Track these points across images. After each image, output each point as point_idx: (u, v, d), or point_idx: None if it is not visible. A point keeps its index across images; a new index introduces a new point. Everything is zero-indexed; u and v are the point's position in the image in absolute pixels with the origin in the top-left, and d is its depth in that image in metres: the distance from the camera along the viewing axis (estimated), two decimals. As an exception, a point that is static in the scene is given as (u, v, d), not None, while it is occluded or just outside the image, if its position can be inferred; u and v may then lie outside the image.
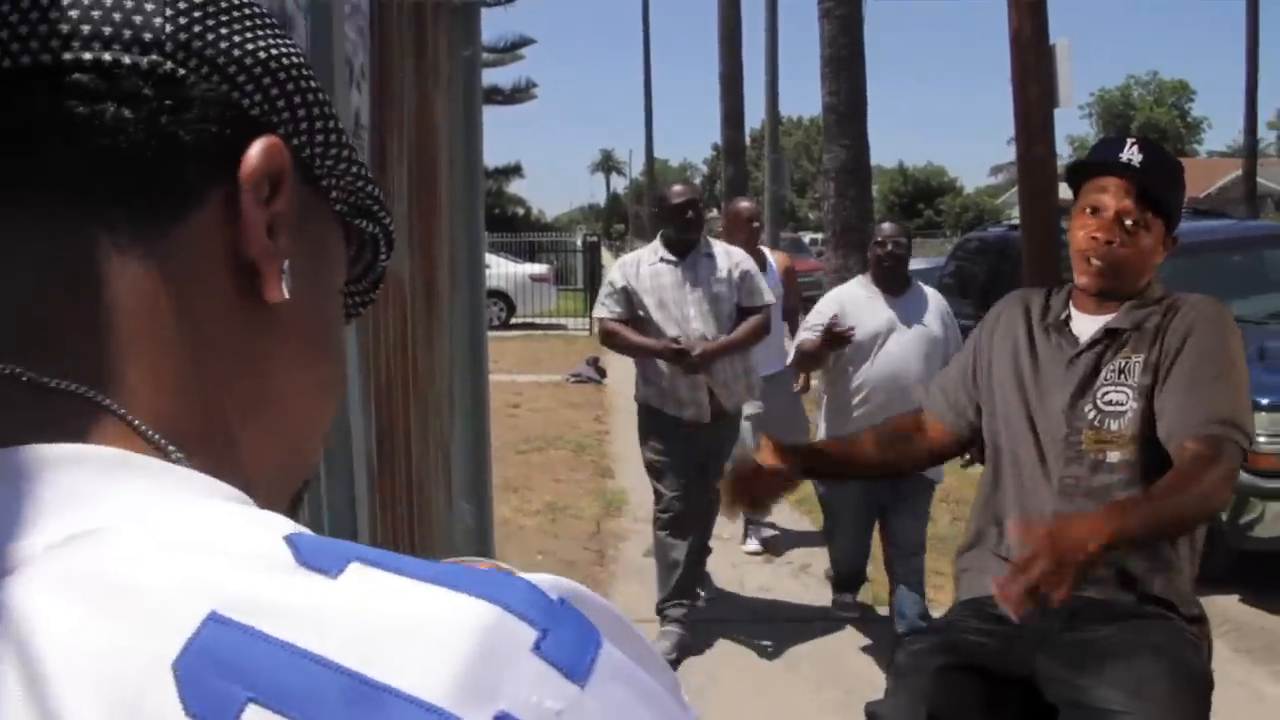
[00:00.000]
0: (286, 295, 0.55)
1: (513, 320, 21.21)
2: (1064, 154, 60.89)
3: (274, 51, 0.57)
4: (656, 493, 5.08)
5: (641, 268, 4.93)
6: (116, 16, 0.52)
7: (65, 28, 0.51)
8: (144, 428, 0.50)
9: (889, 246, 4.97)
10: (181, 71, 0.53)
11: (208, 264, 0.54)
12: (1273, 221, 18.86)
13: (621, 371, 14.43)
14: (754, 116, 24.86)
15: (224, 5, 0.56)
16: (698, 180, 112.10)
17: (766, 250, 6.22)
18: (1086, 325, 2.33)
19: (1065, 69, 6.28)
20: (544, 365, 15.25)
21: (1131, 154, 2.26)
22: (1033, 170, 6.44)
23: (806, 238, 32.85)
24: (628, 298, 4.91)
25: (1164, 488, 2.03)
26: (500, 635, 0.40)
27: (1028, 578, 1.83)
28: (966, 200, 62.35)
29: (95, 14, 0.52)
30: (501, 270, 20.71)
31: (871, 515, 5.00)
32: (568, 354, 16.38)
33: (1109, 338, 2.27)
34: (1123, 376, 2.23)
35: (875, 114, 11.03)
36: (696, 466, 4.89)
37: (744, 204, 6.12)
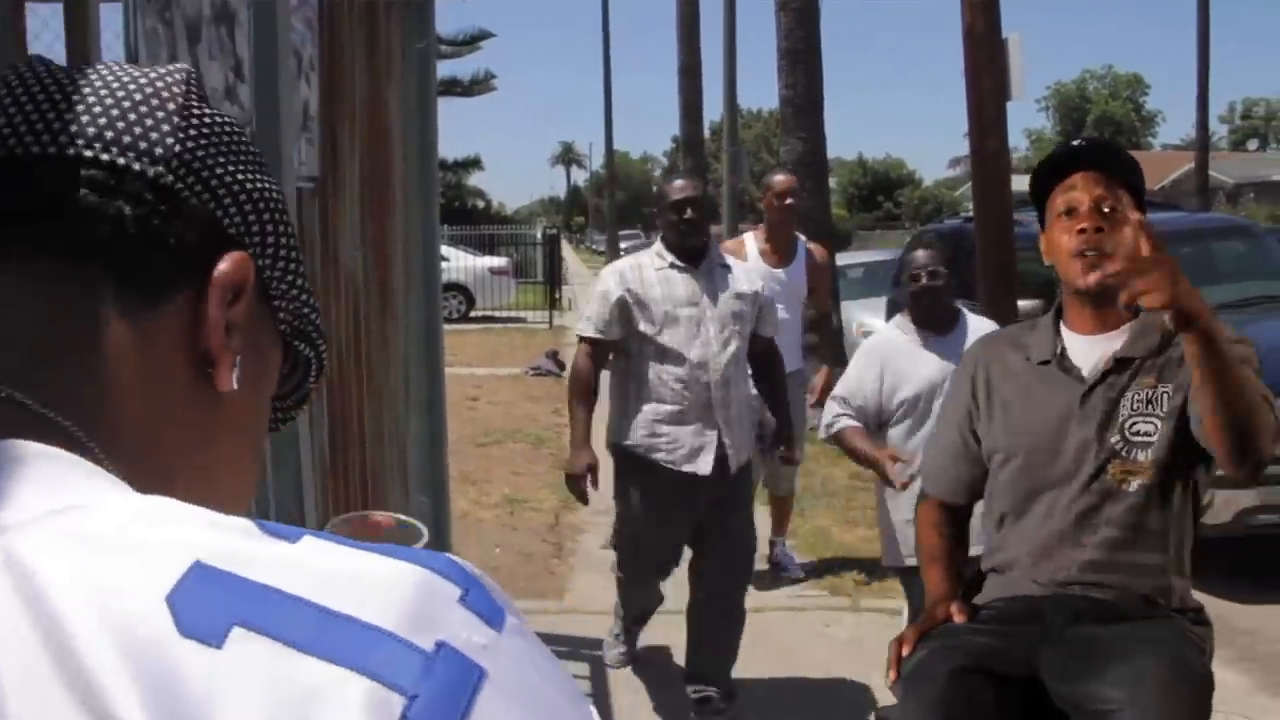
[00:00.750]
0: (235, 386, 0.65)
1: (472, 313, 21.13)
2: (1020, 147, 61.24)
3: (258, 185, 0.69)
4: (625, 556, 4.47)
5: (646, 273, 4.00)
6: (136, 129, 0.64)
7: (77, 127, 0.63)
8: (104, 460, 0.59)
9: (923, 279, 4.05)
10: (179, 186, 0.65)
11: (174, 346, 0.64)
12: (1223, 214, 19.07)
13: (581, 364, 14.42)
14: (713, 109, 24.94)
15: (227, 141, 0.68)
16: (657, 173, 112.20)
17: (803, 239, 5.80)
18: (1086, 351, 2.29)
19: (1017, 63, 6.34)
20: (503, 358, 15.22)
21: (1081, 146, 2.31)
22: (986, 163, 6.50)
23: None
24: (625, 312, 3.99)
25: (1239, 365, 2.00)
26: (433, 587, 0.49)
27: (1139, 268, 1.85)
28: (925, 192, 62.71)
29: (115, 121, 0.63)
30: (460, 263, 20.62)
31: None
32: (527, 347, 16.35)
33: (1120, 367, 2.23)
34: (1151, 407, 2.20)
35: (835, 107, 11.07)
36: (692, 534, 4.14)
37: (778, 177, 5.73)
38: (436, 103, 4.36)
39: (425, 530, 1.07)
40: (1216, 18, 33.26)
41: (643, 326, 3.94)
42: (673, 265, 3.98)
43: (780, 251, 5.59)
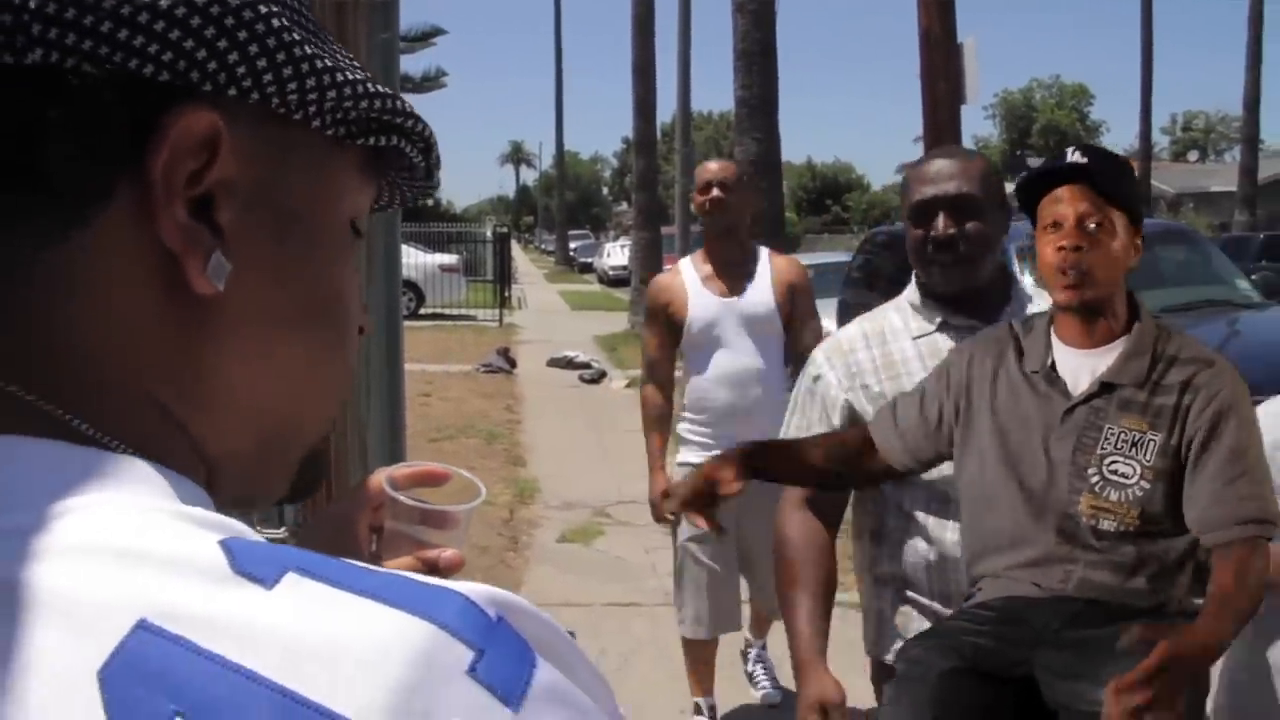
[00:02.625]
0: (219, 287, 0.50)
1: (422, 310, 21.04)
2: (968, 153, 61.67)
3: None
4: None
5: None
6: None
7: None
8: (77, 422, 0.48)
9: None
10: (55, 56, 0.47)
11: (128, 262, 0.49)
12: (1166, 220, 19.40)
13: (533, 362, 14.45)
14: (665, 110, 24.98)
15: None
16: (607, 174, 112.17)
17: (766, 251, 4.07)
18: (1075, 366, 2.24)
19: (972, 66, 6.43)
20: (454, 355, 15.18)
21: (1075, 158, 2.21)
22: (940, 165, 6.58)
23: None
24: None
25: (1229, 587, 2.04)
26: (435, 657, 0.40)
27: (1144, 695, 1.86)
28: (874, 197, 63.23)
29: None
30: (411, 260, 20.50)
31: None
32: (478, 344, 16.33)
33: (1105, 390, 2.19)
34: (1135, 450, 2.14)
35: (785, 111, 11.14)
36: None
37: (709, 164, 4.03)
38: (399, 95, 4.35)
39: (484, 489, 1.06)
40: (1159, 32, 33.90)
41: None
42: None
43: (727, 273, 3.90)
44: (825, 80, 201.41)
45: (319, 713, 0.38)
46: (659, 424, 4.01)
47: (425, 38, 31.03)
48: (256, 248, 0.52)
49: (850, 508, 2.63)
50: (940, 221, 2.43)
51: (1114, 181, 2.21)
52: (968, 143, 8.84)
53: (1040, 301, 2.54)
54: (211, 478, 0.54)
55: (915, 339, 2.53)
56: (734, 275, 3.88)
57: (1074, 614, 2.15)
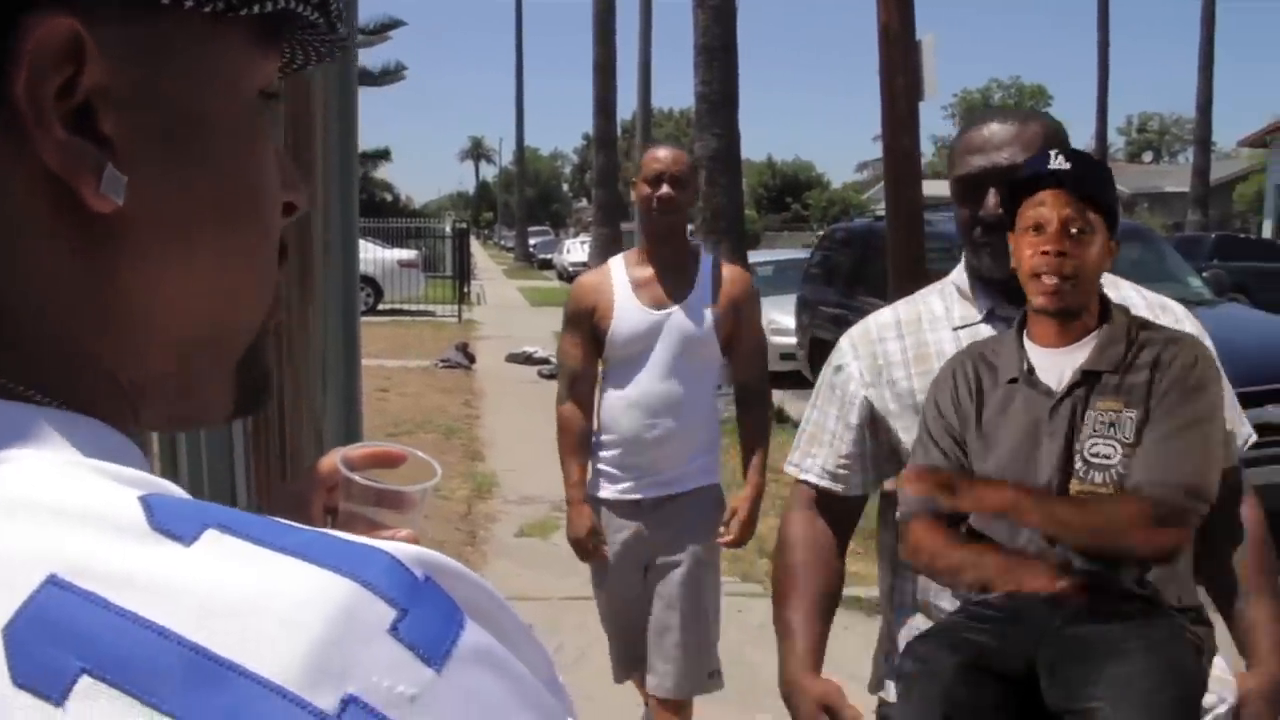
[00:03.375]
0: (118, 202, 0.47)
1: (380, 306, 20.94)
2: (927, 152, 62.41)
3: None
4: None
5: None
6: None
7: None
8: None
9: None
10: None
11: (12, 194, 0.46)
12: (1122, 219, 19.57)
13: (492, 358, 14.41)
14: (625, 107, 24.98)
15: None
16: (567, 170, 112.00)
17: (707, 255, 3.54)
18: (1052, 364, 2.23)
19: (931, 63, 6.46)
20: (413, 351, 15.11)
21: (1059, 163, 2.17)
22: (898, 161, 6.62)
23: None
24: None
25: (1097, 507, 2.08)
26: (355, 614, 0.38)
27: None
28: (833, 195, 63.43)
29: None
30: (369, 255, 20.41)
31: None
32: (436, 340, 16.26)
33: (1086, 379, 2.18)
34: (1113, 430, 2.14)
35: (745, 108, 11.16)
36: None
37: (658, 151, 3.42)
38: (357, 88, 4.32)
39: (439, 470, 1.05)
40: (1116, 35, 34.29)
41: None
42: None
43: (664, 281, 3.35)
44: (786, 77, 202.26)
45: (232, 670, 0.36)
46: (579, 449, 3.44)
47: (383, 30, 30.87)
48: (151, 152, 0.48)
49: (878, 527, 2.51)
50: (990, 199, 2.21)
51: (1096, 186, 2.19)
52: (925, 142, 8.87)
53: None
54: (138, 406, 0.52)
55: (956, 329, 2.32)
56: (672, 284, 3.35)
57: (1075, 611, 2.14)
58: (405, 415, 10.16)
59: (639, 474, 3.38)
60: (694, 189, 3.44)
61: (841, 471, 2.40)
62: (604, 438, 3.46)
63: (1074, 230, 2.14)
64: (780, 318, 12.45)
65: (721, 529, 3.47)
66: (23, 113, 0.45)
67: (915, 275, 6.68)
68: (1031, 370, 2.23)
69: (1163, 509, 2.08)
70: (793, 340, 11.77)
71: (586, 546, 3.44)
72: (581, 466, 3.44)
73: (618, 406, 3.38)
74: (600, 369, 3.46)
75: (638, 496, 3.42)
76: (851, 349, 2.41)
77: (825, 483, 2.41)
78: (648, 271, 3.37)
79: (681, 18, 12.02)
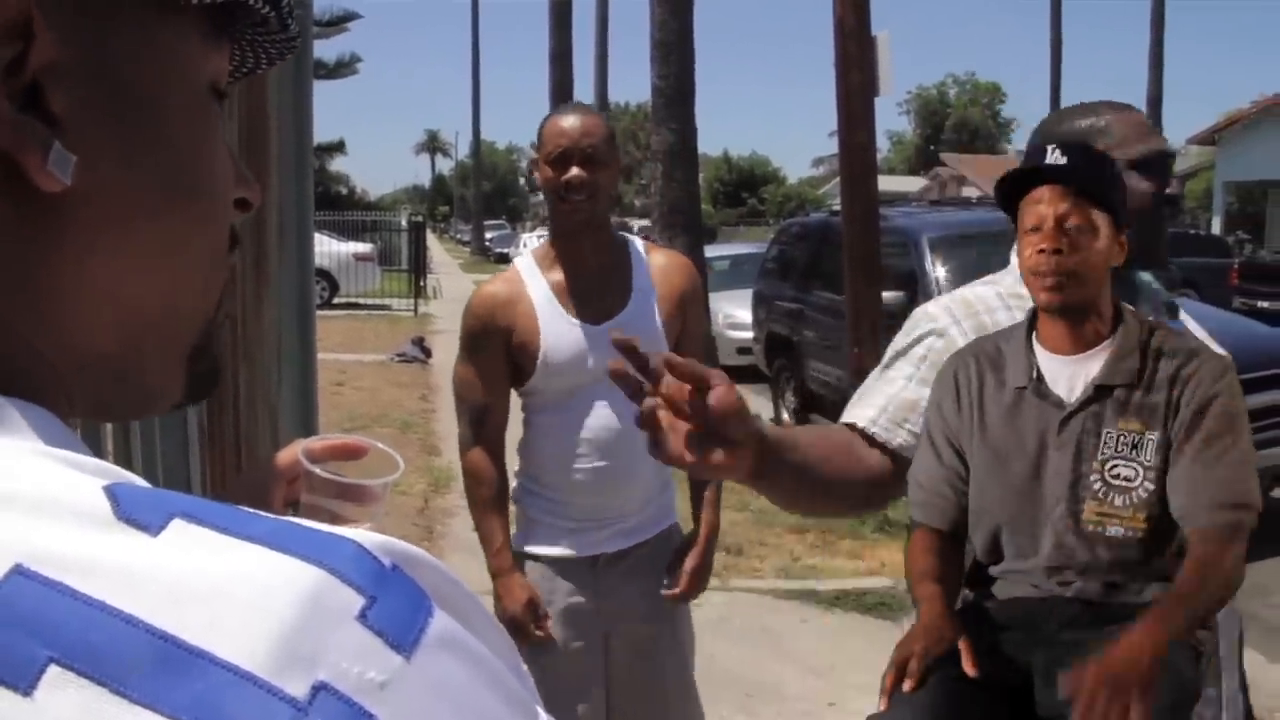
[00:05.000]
0: (66, 181, 0.46)
1: (336, 300, 20.79)
2: (882, 147, 62.81)
3: None
4: None
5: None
6: None
7: None
8: None
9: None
10: None
11: None
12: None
13: (448, 352, 14.32)
14: (582, 98, 24.94)
15: None
16: (523, 164, 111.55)
17: (638, 243, 2.84)
18: (1062, 373, 2.19)
19: (886, 59, 6.51)
20: (368, 345, 15.03)
21: (1055, 157, 2.14)
22: (854, 156, 6.66)
23: (635, 225, 33.15)
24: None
25: (1189, 581, 2.03)
26: (323, 601, 0.38)
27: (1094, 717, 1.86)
28: (789, 190, 63.71)
29: None
30: (324, 249, 20.22)
31: None
32: (392, 334, 16.17)
33: (1100, 394, 2.14)
34: (1135, 452, 2.11)
35: (702, 101, 11.18)
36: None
37: (565, 119, 2.63)
38: (312, 79, 4.29)
39: (401, 463, 1.05)
40: (1068, 32, 34.68)
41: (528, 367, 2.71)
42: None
43: (590, 284, 2.67)
44: (743, 71, 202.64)
45: (201, 657, 0.36)
46: (497, 504, 2.72)
47: (338, 22, 30.66)
48: (100, 131, 0.48)
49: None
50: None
51: (1095, 180, 2.15)
52: (880, 138, 8.94)
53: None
54: (71, 392, 0.51)
55: None
56: (600, 287, 2.65)
57: (1072, 616, 2.13)
58: (361, 409, 10.11)
59: (590, 525, 2.69)
60: (615, 166, 2.64)
61: (898, 427, 2.27)
62: (531, 483, 2.74)
63: (1070, 226, 2.10)
64: (737, 312, 12.48)
65: (665, 579, 2.75)
66: None
67: (871, 269, 6.74)
68: (1040, 379, 2.19)
69: (1230, 532, 2.06)
70: (749, 335, 11.80)
71: (527, 625, 2.63)
72: (504, 527, 2.71)
73: (554, 446, 2.65)
74: (522, 400, 2.74)
75: (592, 553, 2.70)
76: (949, 315, 2.32)
77: (876, 430, 2.26)
78: (570, 273, 2.65)
79: (639, 8, 12.01)
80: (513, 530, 2.78)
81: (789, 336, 10.51)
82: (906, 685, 2.03)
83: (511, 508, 2.77)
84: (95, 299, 0.50)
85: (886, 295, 7.17)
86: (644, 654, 2.74)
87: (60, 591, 0.37)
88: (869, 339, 6.74)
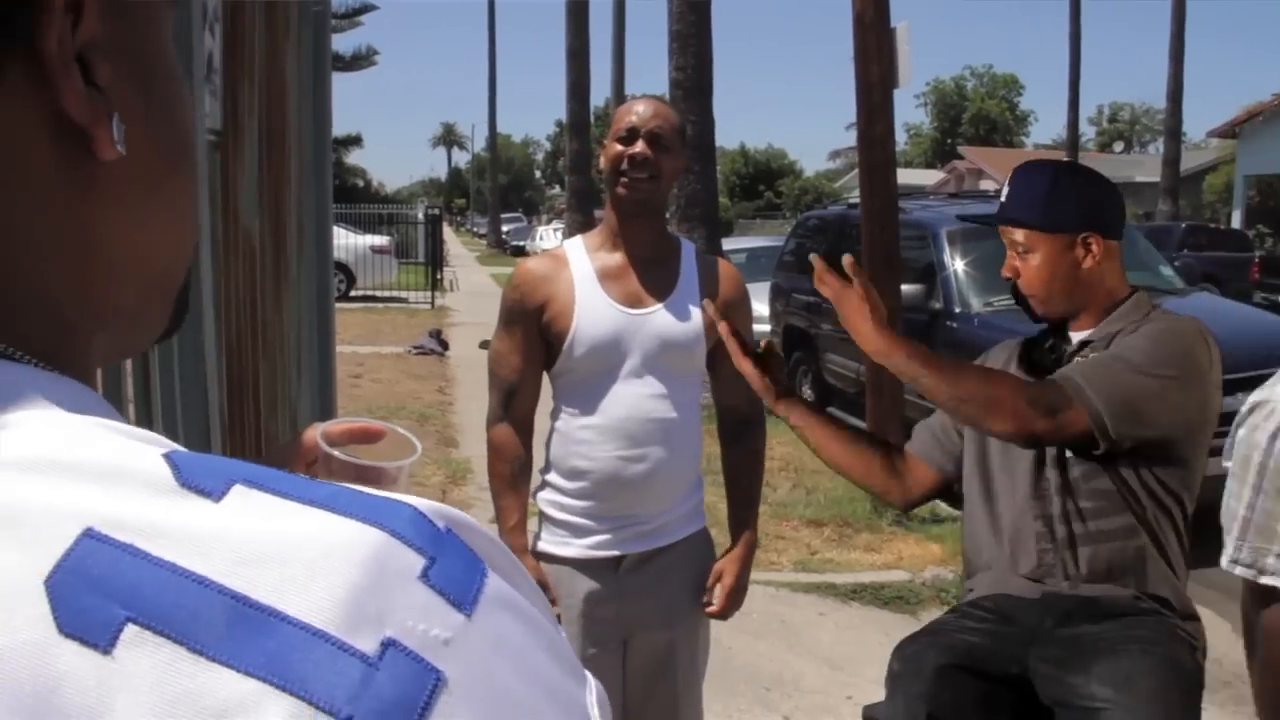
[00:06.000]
0: (123, 150, 0.48)
1: (353, 292, 20.84)
2: (899, 140, 62.80)
3: None
4: None
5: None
6: None
7: None
8: None
9: None
10: None
11: (27, 149, 0.47)
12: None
13: (465, 345, 14.37)
14: (599, 94, 24.94)
15: None
16: (539, 156, 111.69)
17: (689, 245, 2.77)
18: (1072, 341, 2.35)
19: (905, 50, 6.47)
20: (385, 337, 15.05)
21: (1003, 191, 2.38)
22: (873, 148, 6.63)
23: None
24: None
25: (977, 367, 2.24)
26: (387, 562, 0.39)
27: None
28: (806, 183, 63.54)
29: None
30: (342, 241, 20.29)
31: None
32: (410, 326, 16.20)
33: (1081, 349, 2.28)
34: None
35: (719, 94, 11.14)
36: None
37: (636, 106, 2.61)
38: (331, 70, 4.30)
39: (419, 445, 1.04)
40: (1087, 25, 34.46)
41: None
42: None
43: (639, 272, 2.61)
44: (759, 64, 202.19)
45: (273, 615, 0.37)
46: (517, 482, 2.64)
47: (355, 14, 30.77)
48: (132, 101, 0.50)
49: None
50: None
51: (1033, 209, 2.29)
52: (898, 131, 8.90)
53: None
54: (91, 351, 0.52)
55: None
56: (650, 276, 2.60)
57: (1066, 612, 2.16)
58: (379, 401, 10.12)
59: (616, 523, 2.58)
60: (680, 159, 2.62)
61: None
62: (557, 476, 2.63)
63: (1020, 251, 2.31)
64: (754, 305, 12.43)
65: (705, 597, 2.68)
66: (52, 62, 0.45)
67: (890, 263, 6.71)
68: (1054, 345, 2.37)
69: (1049, 392, 2.08)
70: (767, 328, 11.79)
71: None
72: (522, 506, 2.63)
73: (582, 434, 2.56)
74: (553, 388, 2.67)
75: (614, 553, 2.60)
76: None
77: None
78: (617, 259, 2.59)
79: (656, 3, 11.99)
80: (533, 529, 2.71)
81: (806, 329, 10.49)
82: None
83: (533, 505, 2.71)
84: (121, 259, 0.52)
85: (905, 288, 7.14)
86: (661, 661, 2.67)
87: (132, 554, 0.38)
88: (887, 332, 6.70)
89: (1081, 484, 2.18)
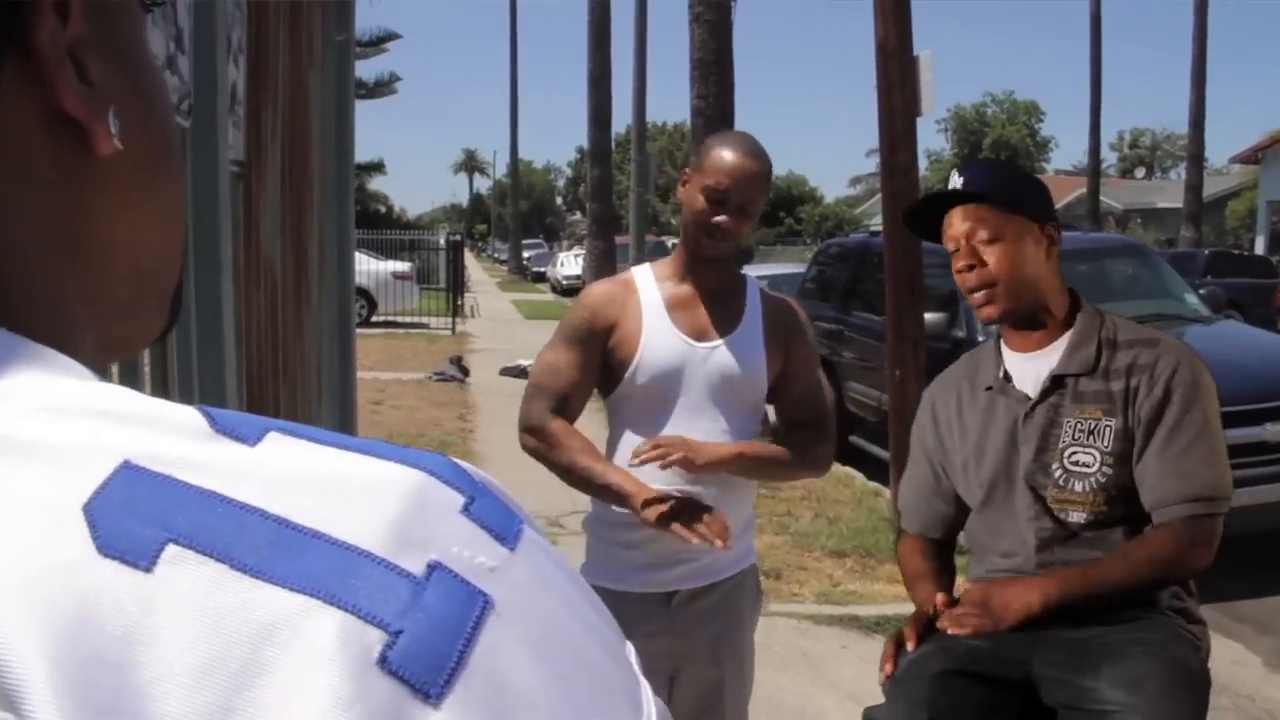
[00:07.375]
0: (119, 145, 0.49)
1: (374, 318, 20.90)
2: (921, 166, 62.90)
3: None
4: None
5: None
6: None
7: None
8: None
9: None
10: None
11: (24, 144, 0.47)
12: (1118, 234, 19.73)
13: (486, 371, 14.38)
14: (620, 120, 25.03)
15: None
16: (560, 183, 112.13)
17: (756, 281, 2.80)
18: (1027, 370, 2.29)
19: (928, 79, 6.47)
20: (407, 363, 15.06)
21: (952, 178, 2.28)
22: (896, 176, 6.62)
23: (670, 242, 33.21)
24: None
25: (1119, 565, 2.13)
26: (428, 496, 0.40)
27: (960, 629, 2.11)
28: (826, 209, 63.66)
29: None
30: (363, 267, 20.34)
31: None
32: (430, 352, 16.21)
33: (1056, 385, 2.23)
34: (1092, 439, 2.17)
35: (740, 121, 11.20)
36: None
37: (726, 154, 2.52)
38: (354, 99, 4.32)
39: None
40: (1108, 51, 34.48)
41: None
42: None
43: (711, 301, 2.61)
44: (780, 91, 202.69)
45: (318, 537, 0.37)
46: (591, 448, 2.57)
47: (379, 42, 30.96)
48: (124, 97, 0.51)
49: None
50: None
51: (991, 188, 2.24)
52: (920, 157, 8.90)
53: None
54: (87, 346, 0.52)
55: None
56: (716, 310, 2.59)
57: (1071, 615, 2.15)
58: (400, 428, 10.12)
59: (671, 558, 2.54)
60: (760, 211, 2.57)
61: None
62: (611, 513, 2.56)
63: (977, 241, 2.22)
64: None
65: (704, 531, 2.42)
66: (46, 58, 0.46)
67: (913, 290, 6.68)
68: (1008, 377, 2.31)
69: (1195, 529, 2.09)
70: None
71: (650, 518, 2.40)
72: (601, 456, 2.56)
73: (637, 469, 2.47)
74: (607, 413, 2.67)
75: (669, 589, 2.57)
76: None
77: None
78: (685, 290, 2.59)
79: (677, 30, 12.03)
80: (579, 558, 2.64)
81: (828, 357, 10.45)
82: (909, 645, 2.19)
83: (582, 529, 2.69)
84: (119, 255, 0.52)
85: (928, 316, 7.11)
86: (707, 697, 2.63)
87: (170, 482, 0.38)
88: (910, 360, 6.67)
89: (1076, 480, 2.22)
